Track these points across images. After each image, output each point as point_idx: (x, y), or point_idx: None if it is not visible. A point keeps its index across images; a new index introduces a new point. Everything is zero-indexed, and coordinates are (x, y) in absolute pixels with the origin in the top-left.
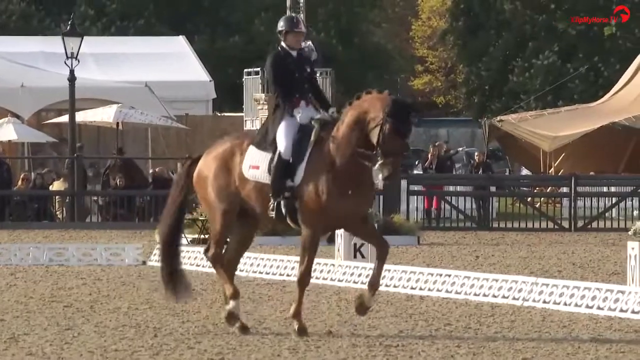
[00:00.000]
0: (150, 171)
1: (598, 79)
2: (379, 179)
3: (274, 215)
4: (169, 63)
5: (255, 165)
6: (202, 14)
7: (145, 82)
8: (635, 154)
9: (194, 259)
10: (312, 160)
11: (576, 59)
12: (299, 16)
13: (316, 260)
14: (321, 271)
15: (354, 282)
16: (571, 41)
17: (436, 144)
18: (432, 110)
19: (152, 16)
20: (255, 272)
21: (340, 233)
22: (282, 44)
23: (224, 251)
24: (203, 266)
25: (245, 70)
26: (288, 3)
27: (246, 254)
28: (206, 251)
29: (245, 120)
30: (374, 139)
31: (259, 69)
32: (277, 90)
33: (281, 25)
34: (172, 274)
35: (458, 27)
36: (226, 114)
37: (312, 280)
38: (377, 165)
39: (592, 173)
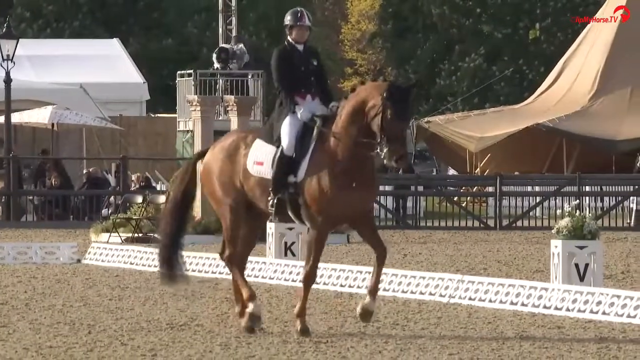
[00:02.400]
0: (85, 171)
1: (523, 82)
2: (391, 164)
3: (273, 211)
4: (103, 65)
5: (259, 161)
6: (136, 16)
7: (80, 84)
8: (558, 155)
9: (128, 257)
10: (315, 156)
11: (501, 62)
12: (304, 10)
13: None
14: (252, 269)
15: (285, 279)
16: (497, 44)
17: None
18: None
19: (86, 18)
20: (188, 270)
21: (271, 232)
22: (289, 38)
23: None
24: (137, 264)
25: (179, 72)
26: (220, 6)
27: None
28: (221, 253)
29: (179, 122)
30: (376, 127)
31: (191, 70)
32: (281, 86)
33: (287, 19)
34: (172, 278)
35: (387, 31)
36: (159, 115)
37: None
38: (383, 153)
39: (516, 173)
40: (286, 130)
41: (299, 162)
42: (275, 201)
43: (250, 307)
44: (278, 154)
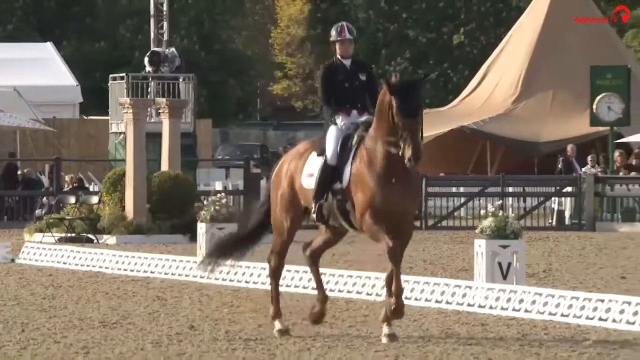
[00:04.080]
0: (19, 172)
1: (448, 85)
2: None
3: (314, 218)
4: (37, 68)
5: (310, 174)
6: (69, 20)
7: (13, 87)
8: (482, 156)
9: (61, 256)
10: (356, 160)
11: (427, 66)
12: (345, 23)
13: (179, 257)
14: (184, 268)
15: (215, 279)
16: (422, 48)
17: (286, 147)
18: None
19: (20, 22)
20: (120, 269)
21: (201, 232)
22: (337, 54)
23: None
24: (70, 264)
25: (111, 75)
26: (152, 10)
27: (110, 252)
28: (269, 260)
29: (111, 124)
30: (394, 123)
31: (124, 74)
32: (323, 101)
33: (331, 35)
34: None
35: (315, 35)
36: (92, 117)
37: (175, 277)
38: (401, 150)
39: (442, 174)
40: (329, 141)
41: (342, 168)
42: (316, 207)
43: (277, 325)
44: (321, 163)
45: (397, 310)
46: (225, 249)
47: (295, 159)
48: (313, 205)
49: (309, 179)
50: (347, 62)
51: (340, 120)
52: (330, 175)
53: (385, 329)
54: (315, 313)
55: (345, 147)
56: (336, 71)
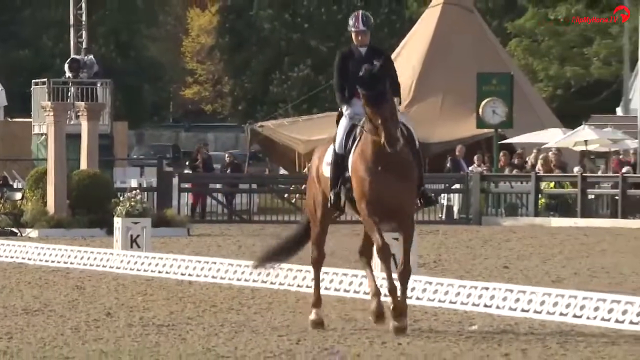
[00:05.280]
0: None
1: None
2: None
3: (329, 205)
4: None
5: (328, 162)
6: None
7: None
8: None
9: None
10: (356, 151)
11: (327, 72)
12: (361, 13)
13: (96, 249)
14: (101, 259)
15: (130, 269)
16: (322, 56)
17: (201, 146)
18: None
19: None
20: (42, 260)
21: (118, 226)
22: (353, 42)
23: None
24: (3, 256)
25: (34, 80)
26: (72, 21)
27: (33, 245)
28: (311, 251)
29: (34, 125)
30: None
31: (46, 79)
32: (335, 89)
33: (348, 24)
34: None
35: (224, 44)
36: (16, 120)
37: (92, 268)
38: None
39: None
40: (339, 131)
41: (348, 157)
42: (332, 196)
43: (312, 315)
44: (332, 153)
45: (395, 309)
46: (277, 255)
47: (321, 150)
48: (330, 194)
49: (327, 167)
50: (363, 50)
51: (346, 110)
52: (340, 163)
53: (394, 322)
54: (374, 310)
55: (351, 137)
56: (350, 58)
